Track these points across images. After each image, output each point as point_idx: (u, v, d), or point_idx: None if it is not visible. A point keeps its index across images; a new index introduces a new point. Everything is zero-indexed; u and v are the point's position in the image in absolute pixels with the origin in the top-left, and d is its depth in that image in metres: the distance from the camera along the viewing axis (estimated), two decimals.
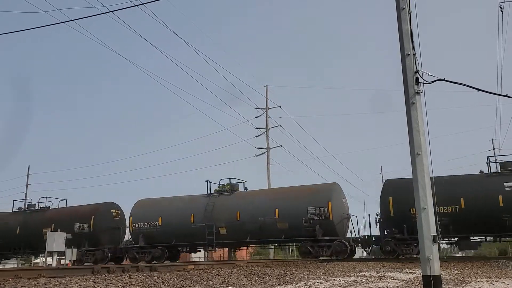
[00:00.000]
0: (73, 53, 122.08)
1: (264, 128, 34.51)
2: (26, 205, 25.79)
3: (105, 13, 12.07)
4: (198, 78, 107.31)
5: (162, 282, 7.28)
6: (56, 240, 20.20)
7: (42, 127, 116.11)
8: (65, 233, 21.25)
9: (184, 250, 23.23)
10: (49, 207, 25.12)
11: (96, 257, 21.77)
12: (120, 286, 6.53)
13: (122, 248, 22.42)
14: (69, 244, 22.67)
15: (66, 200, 25.71)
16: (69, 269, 8.59)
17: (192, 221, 20.90)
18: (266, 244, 22.79)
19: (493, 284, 8.32)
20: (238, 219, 20.12)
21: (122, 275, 7.50)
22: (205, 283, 7.79)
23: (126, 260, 23.24)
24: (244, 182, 22.21)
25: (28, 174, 48.81)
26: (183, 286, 7.29)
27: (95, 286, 6.28)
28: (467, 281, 8.92)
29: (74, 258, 20.55)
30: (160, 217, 21.61)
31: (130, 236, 23.03)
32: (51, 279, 6.58)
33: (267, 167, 33.19)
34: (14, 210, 25.82)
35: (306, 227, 18.81)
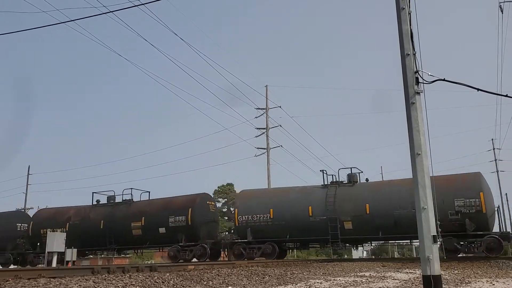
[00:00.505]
0: (73, 53, 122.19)
1: (264, 128, 34.49)
2: (106, 198, 23.53)
3: (105, 13, 12.07)
4: (198, 78, 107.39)
5: (162, 282, 7.27)
6: (56, 240, 20.14)
7: (42, 127, 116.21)
8: (65, 233, 21.13)
9: (295, 246, 21.49)
10: (132, 199, 22.92)
11: (195, 253, 20.11)
12: (120, 286, 6.53)
13: (221, 243, 20.93)
14: (163, 239, 20.99)
15: (149, 192, 23.56)
16: (69, 270, 8.59)
17: (310, 214, 18.99)
18: (402, 240, 20.18)
19: (493, 284, 8.32)
20: (368, 212, 18.16)
21: (122, 275, 7.50)
22: (205, 283, 7.79)
23: (226, 256, 21.72)
24: (359, 173, 20.11)
25: (28, 174, 48.87)
26: (183, 286, 7.29)
27: (95, 286, 6.28)
28: (467, 281, 8.92)
29: (74, 259, 20.46)
30: (271, 210, 19.71)
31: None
32: (51, 279, 6.59)
33: (267, 167, 33.18)
34: (93, 203, 23.48)
35: (452, 221, 17.04)
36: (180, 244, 20.39)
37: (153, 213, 21.43)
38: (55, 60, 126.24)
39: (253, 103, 39.30)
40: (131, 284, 6.77)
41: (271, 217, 19.64)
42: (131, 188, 23.05)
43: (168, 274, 8.10)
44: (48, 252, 19.98)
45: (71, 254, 20.19)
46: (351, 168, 20.01)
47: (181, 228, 20.53)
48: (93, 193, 23.81)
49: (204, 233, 20.77)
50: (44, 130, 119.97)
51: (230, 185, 57.41)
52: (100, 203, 23.41)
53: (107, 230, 21.92)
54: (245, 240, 19.92)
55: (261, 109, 35.12)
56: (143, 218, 21.41)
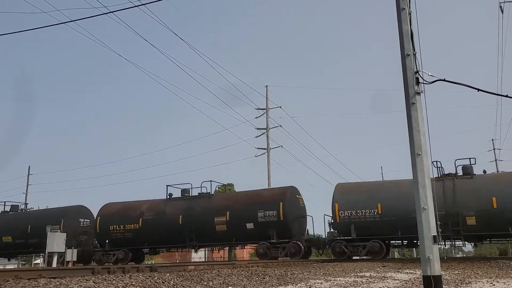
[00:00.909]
0: (73, 53, 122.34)
1: (264, 129, 34.50)
2: (180, 191, 21.91)
3: (105, 13, 12.07)
4: (198, 78, 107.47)
5: (163, 282, 7.27)
6: (56, 240, 20.17)
7: (42, 127, 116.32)
8: (65, 233, 21.08)
9: (402, 244, 19.93)
10: (210, 192, 21.31)
11: (288, 250, 18.78)
12: (121, 287, 6.53)
13: (315, 240, 19.91)
14: (251, 234, 19.55)
15: (233, 185, 22.37)
16: (70, 270, 8.59)
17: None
18: None
19: (494, 285, 8.31)
20: (495, 206, 16.77)
21: (122, 276, 7.50)
22: (205, 283, 7.78)
23: (320, 255, 20.74)
24: (473, 164, 18.35)
25: (28, 174, 48.84)
26: (183, 286, 7.29)
27: (96, 286, 6.28)
28: (467, 281, 8.91)
29: (75, 259, 20.47)
30: (379, 205, 18.37)
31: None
32: (52, 279, 6.59)
33: (267, 168, 33.19)
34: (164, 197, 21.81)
35: None
36: (272, 240, 19.18)
37: (239, 207, 19.99)
38: (55, 60, 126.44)
39: (253, 103, 39.32)
40: (131, 285, 6.77)
41: (379, 212, 18.33)
42: (211, 181, 21.47)
43: (168, 274, 8.10)
44: (48, 252, 20.02)
45: (71, 254, 20.22)
46: (469, 158, 18.42)
47: (272, 224, 19.17)
48: (167, 186, 22.14)
49: (296, 229, 19.62)
50: (44, 130, 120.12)
51: (230, 185, 57.35)
52: (173, 197, 21.95)
53: (186, 225, 20.42)
54: (347, 238, 18.74)
55: (261, 109, 35.14)
56: (227, 212, 19.95)
